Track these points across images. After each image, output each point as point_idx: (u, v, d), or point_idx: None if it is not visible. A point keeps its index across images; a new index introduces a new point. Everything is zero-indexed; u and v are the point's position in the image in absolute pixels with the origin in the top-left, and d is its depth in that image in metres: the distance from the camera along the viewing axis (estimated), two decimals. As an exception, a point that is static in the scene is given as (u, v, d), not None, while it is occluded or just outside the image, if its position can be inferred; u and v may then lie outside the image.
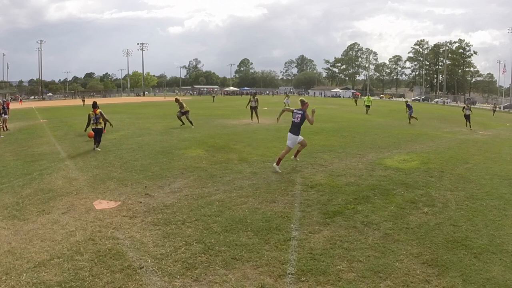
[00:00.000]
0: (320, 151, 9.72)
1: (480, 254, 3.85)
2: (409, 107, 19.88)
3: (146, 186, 6.37)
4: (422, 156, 9.30)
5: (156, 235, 4.31)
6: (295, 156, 8.34)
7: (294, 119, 7.53)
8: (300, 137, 7.70)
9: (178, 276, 3.40)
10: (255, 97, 18.43)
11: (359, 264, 3.62)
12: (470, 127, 16.68)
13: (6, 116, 15.00)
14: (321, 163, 8.23)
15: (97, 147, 10.15)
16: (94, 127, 10.10)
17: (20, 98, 59.84)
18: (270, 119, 19.74)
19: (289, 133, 7.56)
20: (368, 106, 26.61)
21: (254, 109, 18.04)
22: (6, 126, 15.01)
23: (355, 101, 42.62)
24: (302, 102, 7.56)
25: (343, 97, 75.56)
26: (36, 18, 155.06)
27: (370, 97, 28.78)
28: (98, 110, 10.17)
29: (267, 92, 79.93)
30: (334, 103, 41.69)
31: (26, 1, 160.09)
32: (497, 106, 41.68)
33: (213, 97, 53.79)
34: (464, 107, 17.88)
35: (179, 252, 3.88)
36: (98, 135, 10.21)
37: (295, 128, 7.50)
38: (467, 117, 17.12)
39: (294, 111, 7.59)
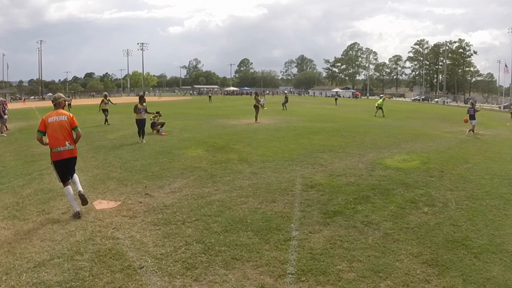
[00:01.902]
0: (320, 151, 9.73)
1: (480, 254, 3.85)
2: (286, 99, 30.66)
3: (146, 186, 6.37)
4: (422, 156, 9.30)
5: (156, 235, 4.31)
6: (471, 130, 14.44)
7: (470, 113, 14.59)
8: (475, 120, 14.69)
9: (178, 276, 3.39)
10: (256, 97, 18.55)
11: (359, 264, 3.62)
12: (473, 131, 16.17)
13: (6, 116, 15.02)
14: (321, 163, 8.24)
15: (143, 138, 11.42)
16: (137, 118, 11.48)
17: (23, 98, 61.61)
18: (270, 119, 19.76)
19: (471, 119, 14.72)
20: (380, 108, 24.57)
21: (255, 108, 18.18)
22: (6, 126, 15.04)
23: (336, 100, 43.96)
24: (472, 103, 15.08)
25: (343, 96, 75.53)
26: (36, 18, 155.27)
27: (383, 100, 25.98)
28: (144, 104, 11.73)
29: (267, 91, 79.91)
30: (334, 103, 41.69)
31: (26, 1, 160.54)
32: None
33: (210, 97, 47.56)
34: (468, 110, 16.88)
35: (179, 252, 3.88)
36: (142, 125, 11.48)
37: (473, 116, 14.49)
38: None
39: (468, 109, 14.86)
